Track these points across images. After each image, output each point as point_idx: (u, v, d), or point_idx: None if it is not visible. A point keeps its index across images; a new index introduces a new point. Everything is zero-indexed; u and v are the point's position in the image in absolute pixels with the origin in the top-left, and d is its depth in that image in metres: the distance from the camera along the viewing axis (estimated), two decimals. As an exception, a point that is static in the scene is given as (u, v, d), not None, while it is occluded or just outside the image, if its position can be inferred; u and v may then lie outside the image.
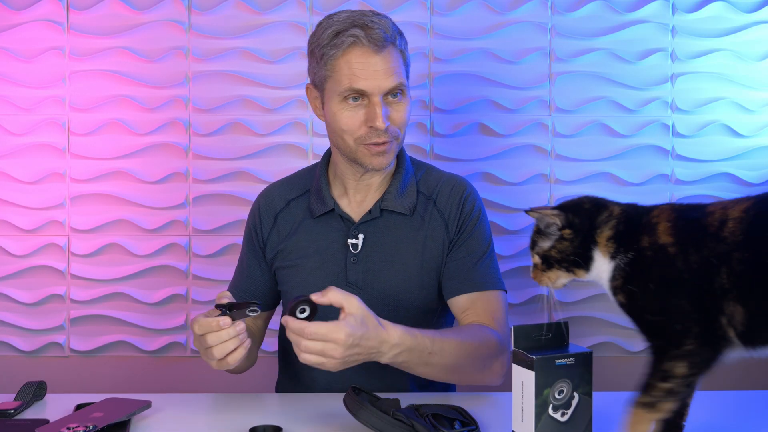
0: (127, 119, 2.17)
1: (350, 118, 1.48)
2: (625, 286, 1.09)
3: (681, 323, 1.04)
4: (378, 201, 1.57)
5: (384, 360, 1.31)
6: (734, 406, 1.36)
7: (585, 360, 1.15)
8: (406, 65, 1.53)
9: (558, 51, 2.19)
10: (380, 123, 1.45)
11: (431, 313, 1.59)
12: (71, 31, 2.17)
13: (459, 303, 1.54)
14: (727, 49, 2.18)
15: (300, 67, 2.18)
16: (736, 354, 1.06)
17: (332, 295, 1.25)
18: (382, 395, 1.27)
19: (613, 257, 1.10)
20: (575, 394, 1.14)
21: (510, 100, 2.19)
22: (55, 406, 1.38)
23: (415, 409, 1.22)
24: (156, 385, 2.19)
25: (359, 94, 1.47)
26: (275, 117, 2.19)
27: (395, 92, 1.48)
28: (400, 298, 1.54)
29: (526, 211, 1.16)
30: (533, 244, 1.17)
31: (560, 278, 1.15)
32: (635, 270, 1.08)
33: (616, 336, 2.21)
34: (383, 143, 1.48)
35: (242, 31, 2.18)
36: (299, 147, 2.19)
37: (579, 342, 2.15)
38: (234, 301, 1.32)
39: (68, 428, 1.18)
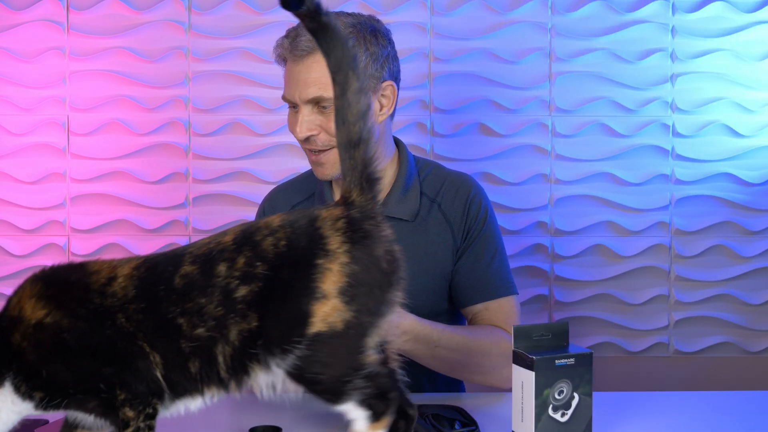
0: (127, 119, 2.17)
1: (290, 124, 1.49)
2: (30, 392, 0.96)
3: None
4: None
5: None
6: (734, 406, 1.36)
7: (585, 360, 1.14)
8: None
9: (558, 51, 2.19)
10: (297, 132, 1.45)
11: (440, 316, 1.57)
12: (71, 31, 2.17)
13: (471, 311, 1.53)
14: (727, 49, 2.18)
15: (300, 67, 2.18)
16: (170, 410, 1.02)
17: None
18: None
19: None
20: (575, 395, 1.14)
21: (510, 100, 2.19)
22: (55, 407, 1.37)
23: (415, 409, 1.22)
24: (156, 385, 2.19)
25: (292, 102, 1.46)
26: (275, 117, 2.18)
27: (323, 104, 1.43)
28: (405, 306, 1.53)
29: None
30: None
31: None
32: (32, 375, 0.95)
33: (616, 336, 2.21)
34: (316, 153, 1.47)
35: (242, 31, 2.18)
36: (299, 147, 2.18)
37: (579, 342, 2.15)
38: None
39: (68, 428, 1.18)
